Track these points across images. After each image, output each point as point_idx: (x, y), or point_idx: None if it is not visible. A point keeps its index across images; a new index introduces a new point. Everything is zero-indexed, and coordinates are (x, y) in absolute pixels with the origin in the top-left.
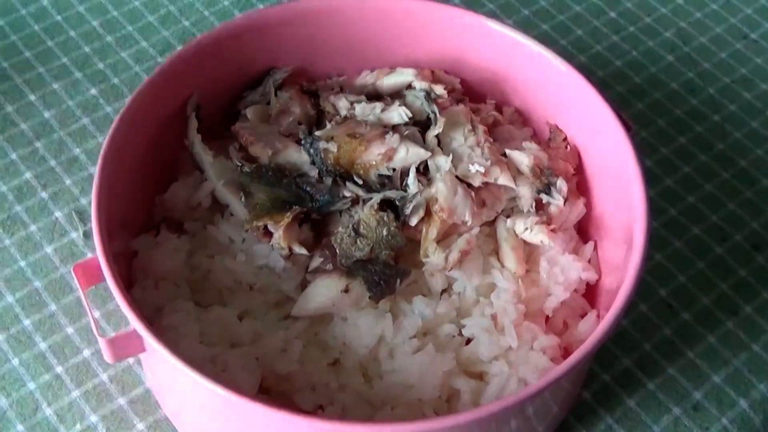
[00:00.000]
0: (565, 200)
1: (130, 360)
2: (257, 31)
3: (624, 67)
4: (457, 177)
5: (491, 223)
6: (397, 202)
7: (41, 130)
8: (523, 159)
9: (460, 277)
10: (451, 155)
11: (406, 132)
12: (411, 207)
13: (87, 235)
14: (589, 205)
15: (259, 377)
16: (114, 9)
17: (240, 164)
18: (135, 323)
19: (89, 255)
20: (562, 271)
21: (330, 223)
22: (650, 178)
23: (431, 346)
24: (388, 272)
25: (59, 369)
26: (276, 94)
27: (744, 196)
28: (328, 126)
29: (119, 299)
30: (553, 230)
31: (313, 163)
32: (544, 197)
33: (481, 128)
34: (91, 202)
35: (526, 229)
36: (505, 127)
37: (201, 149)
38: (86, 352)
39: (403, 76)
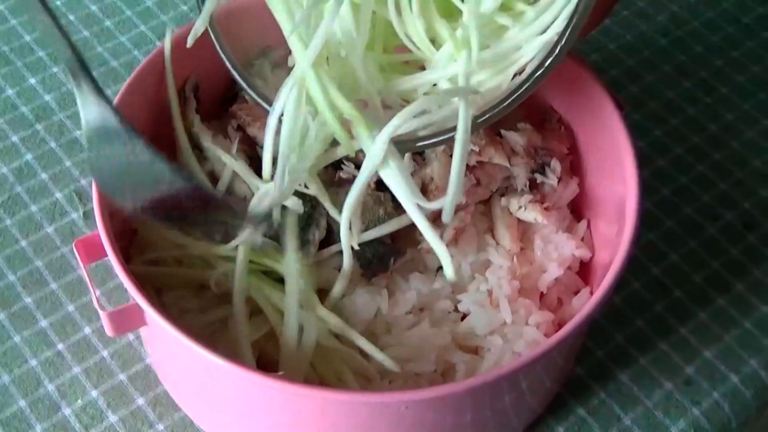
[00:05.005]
0: (559, 179)
1: (131, 336)
2: (254, 11)
3: (617, 50)
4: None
5: (486, 202)
6: None
7: (41, 112)
8: (517, 139)
9: (456, 254)
10: None
11: None
12: None
13: (87, 215)
14: (582, 185)
15: (257, 352)
16: None
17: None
18: (136, 296)
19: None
20: (556, 248)
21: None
22: (643, 159)
23: (427, 321)
24: (382, 250)
25: (60, 346)
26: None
27: (735, 176)
28: None
29: (120, 272)
30: (546, 209)
31: None
32: (538, 177)
33: None
34: (90, 182)
35: (520, 207)
36: None
37: (200, 129)
38: (87, 330)
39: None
